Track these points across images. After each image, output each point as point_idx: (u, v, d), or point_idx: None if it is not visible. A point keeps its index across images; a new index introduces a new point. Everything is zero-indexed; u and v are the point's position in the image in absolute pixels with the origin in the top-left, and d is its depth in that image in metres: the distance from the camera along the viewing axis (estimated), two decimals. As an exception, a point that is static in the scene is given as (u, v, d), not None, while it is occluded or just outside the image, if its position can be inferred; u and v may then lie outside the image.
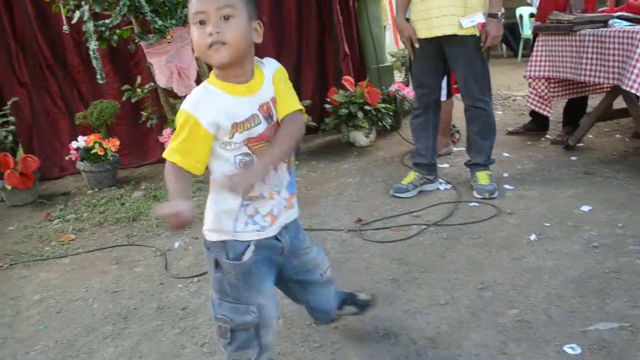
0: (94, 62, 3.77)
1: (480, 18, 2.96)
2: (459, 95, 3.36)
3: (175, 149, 1.46)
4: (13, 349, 2.14)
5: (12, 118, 4.07)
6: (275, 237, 1.57)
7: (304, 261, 1.70)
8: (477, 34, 2.98)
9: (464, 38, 3.00)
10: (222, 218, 1.52)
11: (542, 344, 1.85)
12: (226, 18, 1.38)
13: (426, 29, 3.07)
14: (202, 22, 1.39)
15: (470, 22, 2.94)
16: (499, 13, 2.99)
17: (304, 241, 1.70)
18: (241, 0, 1.40)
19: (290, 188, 1.61)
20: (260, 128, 1.47)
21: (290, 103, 1.52)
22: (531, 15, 8.45)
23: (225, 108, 1.42)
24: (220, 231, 1.53)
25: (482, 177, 3.23)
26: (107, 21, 3.70)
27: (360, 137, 4.52)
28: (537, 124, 4.52)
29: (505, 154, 3.95)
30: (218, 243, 1.53)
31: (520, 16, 8.74)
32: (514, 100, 5.86)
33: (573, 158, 3.74)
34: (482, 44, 3.03)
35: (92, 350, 2.07)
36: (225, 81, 1.46)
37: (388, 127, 4.61)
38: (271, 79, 1.50)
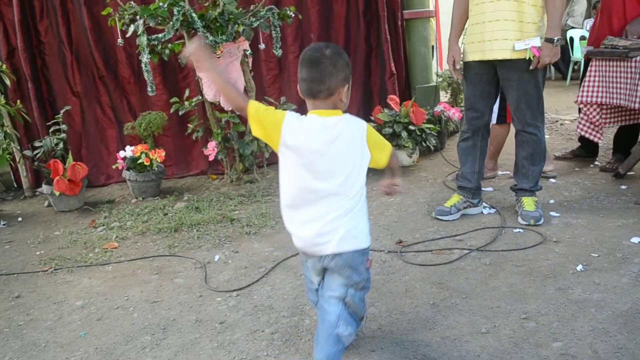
0: (145, 75, 3.87)
1: (536, 42, 2.91)
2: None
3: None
4: (54, 354, 2.18)
5: (64, 126, 4.20)
6: None
7: None
8: (531, 57, 2.93)
9: (517, 62, 2.96)
10: None
11: (588, 381, 1.78)
12: None
13: (479, 52, 3.05)
14: None
15: (525, 45, 2.90)
16: (555, 38, 2.93)
17: None
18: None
19: None
20: None
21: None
22: (582, 38, 8.28)
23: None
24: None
25: (528, 203, 3.16)
26: (160, 35, 3.79)
27: (403, 157, 4.49)
28: (586, 150, 4.40)
29: (552, 180, 3.86)
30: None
31: (571, 39, 8.58)
32: (562, 124, 5.73)
33: (623, 187, 3.62)
34: (531, 66, 2.97)
35: (131, 359, 2.10)
36: None
37: (432, 147, 4.57)
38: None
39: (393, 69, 5.00)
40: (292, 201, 1.80)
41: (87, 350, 2.19)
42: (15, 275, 2.98)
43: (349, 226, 1.75)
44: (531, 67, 2.97)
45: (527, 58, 2.94)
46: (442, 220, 3.26)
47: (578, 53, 8.16)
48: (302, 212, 1.78)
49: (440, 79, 5.90)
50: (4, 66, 4.15)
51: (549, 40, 2.93)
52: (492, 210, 3.37)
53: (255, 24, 3.96)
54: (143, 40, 3.76)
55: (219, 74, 1.88)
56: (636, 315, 2.12)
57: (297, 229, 1.81)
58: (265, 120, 1.75)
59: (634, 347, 1.92)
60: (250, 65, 4.28)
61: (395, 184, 2.01)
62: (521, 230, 3.03)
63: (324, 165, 1.72)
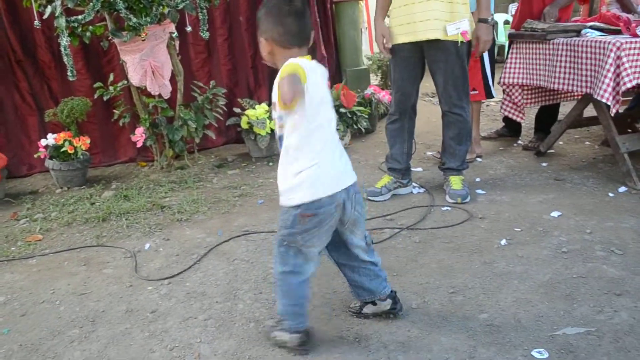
0: (65, 59, 3.69)
1: (466, 25, 2.98)
2: (435, 100, 3.38)
3: None
4: (-25, 352, 2.08)
5: (-21, 114, 3.97)
6: None
7: None
8: (461, 40, 2.99)
9: (446, 44, 3.02)
10: None
11: (511, 349, 1.87)
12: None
13: (408, 34, 3.07)
14: None
15: (456, 29, 2.96)
16: (489, 18, 3.02)
17: None
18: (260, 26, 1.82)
19: None
20: None
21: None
22: (506, 22, 8.56)
23: None
24: None
25: (455, 181, 3.26)
26: (79, 17, 3.63)
27: (335, 140, 4.52)
28: (510, 129, 4.58)
29: (478, 159, 4.00)
30: None
31: (495, 22, 8.85)
32: (487, 105, 5.93)
33: (544, 164, 3.80)
34: (472, 49, 3.05)
35: (58, 354, 2.02)
36: None
37: (363, 130, 4.62)
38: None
39: (323, 51, 5.01)
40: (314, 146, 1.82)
41: (11, 347, 2.09)
42: None
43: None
44: (477, 55, 3.05)
45: (459, 43, 3.00)
46: (373, 200, 3.32)
47: (502, 37, 8.44)
48: (326, 151, 1.84)
49: (371, 62, 5.96)
50: None
51: (483, 21, 3.02)
52: (422, 190, 3.46)
53: (180, 6, 3.85)
54: (62, 22, 3.58)
55: None
56: (556, 285, 2.24)
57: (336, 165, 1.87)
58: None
59: (554, 315, 2.04)
60: (177, 48, 4.18)
61: None
62: (449, 208, 3.13)
63: (329, 107, 1.87)
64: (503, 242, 2.65)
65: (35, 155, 4.19)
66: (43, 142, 4.04)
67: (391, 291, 2.08)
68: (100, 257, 2.84)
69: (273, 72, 4.94)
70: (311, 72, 1.75)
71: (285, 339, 1.93)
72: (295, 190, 1.82)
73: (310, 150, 1.80)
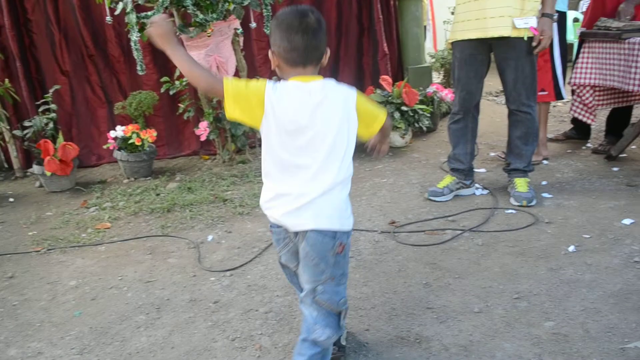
0: (135, 54, 3.82)
1: (534, 22, 2.90)
2: (498, 100, 3.30)
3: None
4: (49, 333, 2.18)
5: (53, 106, 4.15)
6: None
7: None
8: (529, 35, 2.91)
9: (516, 41, 2.94)
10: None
11: (579, 359, 1.81)
12: None
13: (477, 30, 2.99)
14: None
15: (524, 23, 2.88)
16: (553, 14, 2.94)
17: None
18: None
19: None
20: None
21: None
22: (575, 20, 8.26)
23: None
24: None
25: (521, 184, 3.17)
26: (149, 13, 3.74)
27: (395, 138, 4.49)
28: (579, 132, 4.42)
29: (545, 162, 3.88)
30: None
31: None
32: (554, 106, 5.73)
33: (615, 169, 3.64)
34: (535, 44, 2.96)
35: (125, 339, 2.10)
36: None
37: (424, 128, 4.57)
38: None
39: (386, 49, 4.97)
40: (270, 171, 1.68)
41: (82, 329, 2.19)
42: (9, 255, 2.97)
43: (326, 204, 1.63)
44: (537, 50, 2.96)
45: (526, 38, 2.92)
46: (434, 201, 3.27)
47: (571, 35, 8.15)
48: (281, 183, 1.65)
49: (434, 60, 5.88)
50: (-8, 44, 4.08)
51: (547, 15, 2.93)
52: (485, 191, 3.39)
53: (246, 2, 3.91)
54: (132, 17, 3.70)
55: (184, 54, 1.67)
56: (627, 296, 2.14)
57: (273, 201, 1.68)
58: (249, 92, 1.58)
59: (625, 327, 1.95)
60: (241, 44, 4.24)
61: (383, 142, 1.94)
62: (513, 211, 3.05)
63: (307, 137, 1.60)
64: (571, 248, 2.56)
65: (105, 146, 4.36)
66: (112, 133, 4.19)
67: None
68: (165, 247, 2.92)
69: (334, 69, 4.98)
70: (287, 97, 1.58)
71: None
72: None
73: (267, 174, 1.68)
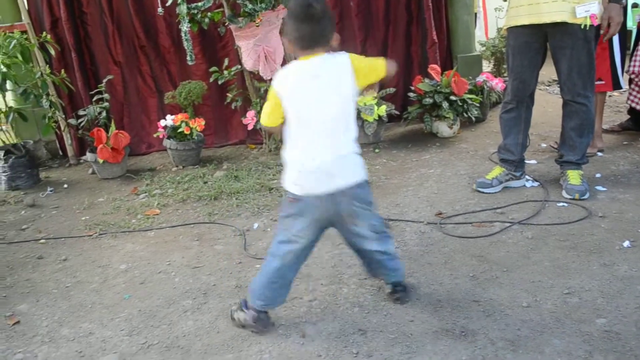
0: (185, 44, 3.88)
1: (595, 8, 2.77)
2: (550, 89, 3.19)
3: None
4: (100, 314, 2.25)
5: (106, 95, 4.26)
6: None
7: None
8: (589, 24, 2.80)
9: (573, 27, 2.82)
10: None
11: (632, 358, 1.74)
12: None
13: (532, 15, 2.89)
14: None
15: (585, 11, 2.75)
16: None
17: None
18: None
19: None
20: None
21: None
22: (634, 5, 7.92)
23: None
24: None
25: (574, 176, 3.07)
26: (199, 4, 3.79)
27: (443, 128, 4.42)
28: (636, 122, 4.24)
29: (599, 154, 3.74)
30: None
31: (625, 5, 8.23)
32: (610, 96, 5.52)
33: (675, 161, 3.48)
34: (602, 32, 2.85)
35: (173, 322, 2.15)
36: None
37: (473, 118, 4.48)
38: None
39: (435, 37, 4.88)
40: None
41: (131, 312, 2.25)
42: (62, 239, 3.08)
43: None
44: (605, 38, 2.86)
45: (583, 26, 2.81)
46: (483, 192, 3.20)
47: (629, 21, 7.83)
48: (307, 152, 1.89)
49: (484, 48, 5.75)
50: (49, 36, 4.22)
51: (615, 1, 2.81)
52: (536, 184, 3.30)
53: (294, -8, 3.91)
54: (183, 9, 3.76)
55: None
56: (685, 293, 2.05)
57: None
58: (274, 104, 1.89)
59: (683, 325, 1.87)
60: (289, 34, 4.24)
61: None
62: (565, 205, 2.96)
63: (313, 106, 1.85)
64: (626, 243, 2.47)
65: (155, 135, 4.46)
66: (162, 122, 4.28)
67: (397, 282, 2.14)
68: (212, 234, 2.97)
69: (383, 55, 4.93)
70: (295, 77, 1.85)
71: (242, 316, 2.02)
72: (285, 175, 1.94)
73: (293, 145, 1.91)
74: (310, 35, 1.83)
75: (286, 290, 2.03)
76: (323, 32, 1.84)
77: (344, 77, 1.86)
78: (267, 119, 1.93)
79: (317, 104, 1.84)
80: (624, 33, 3.72)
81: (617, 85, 3.76)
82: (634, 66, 3.67)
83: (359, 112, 4.21)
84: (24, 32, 4.24)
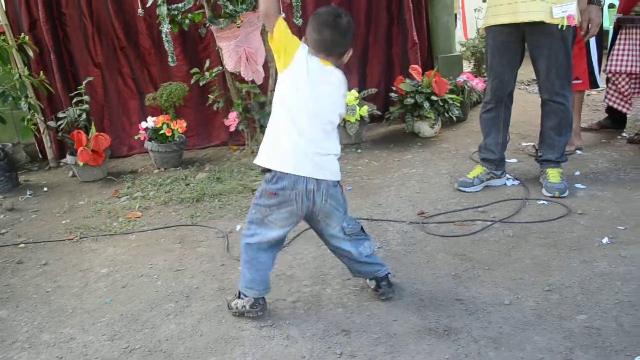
0: (166, 45, 3.86)
1: (573, 9, 2.81)
2: (530, 88, 3.23)
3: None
4: (81, 319, 2.23)
5: (86, 97, 4.22)
6: None
7: None
8: (565, 25, 2.84)
9: (550, 27, 2.85)
10: None
11: (612, 353, 1.77)
12: None
13: (509, 14, 2.92)
14: None
15: (562, 12, 2.79)
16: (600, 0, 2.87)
17: None
18: None
19: None
20: None
21: None
22: (610, 5, 8.03)
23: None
24: None
25: (553, 174, 3.11)
26: (180, 5, 3.77)
27: (425, 128, 4.44)
28: (614, 121, 4.30)
29: (578, 152, 3.79)
30: None
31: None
32: (589, 95, 5.59)
33: (651, 159, 3.54)
34: (582, 33, 2.90)
35: (155, 326, 2.13)
36: None
37: (454, 118, 4.51)
38: None
39: (415, 38, 4.91)
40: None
41: (113, 316, 2.23)
42: (42, 243, 3.04)
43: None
44: (585, 39, 2.90)
45: (560, 27, 2.84)
46: (464, 191, 3.23)
47: (606, 21, 7.94)
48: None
49: (464, 48, 5.79)
50: (27, 38, 4.16)
51: (595, 2, 2.85)
52: (516, 182, 3.33)
53: (276, -7, 3.90)
54: (163, 10, 3.74)
55: None
56: (663, 289, 2.09)
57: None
58: (287, 41, 1.96)
59: (661, 320, 1.90)
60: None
61: None
62: (545, 202, 2.99)
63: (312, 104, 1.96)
64: (605, 240, 2.50)
65: (136, 137, 4.43)
66: (143, 124, 4.25)
67: (379, 276, 2.17)
68: (194, 236, 2.95)
69: (364, 58, 4.95)
70: (307, 59, 1.95)
71: (240, 303, 2.10)
72: (261, 150, 2.06)
73: (275, 122, 2.02)
74: (330, 42, 1.95)
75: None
76: (341, 44, 1.97)
77: (343, 97, 2.07)
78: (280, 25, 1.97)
79: (316, 107, 1.96)
80: (600, 33, 3.77)
81: (594, 84, 3.81)
82: (611, 65, 3.72)
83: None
84: (1, 33, 4.19)
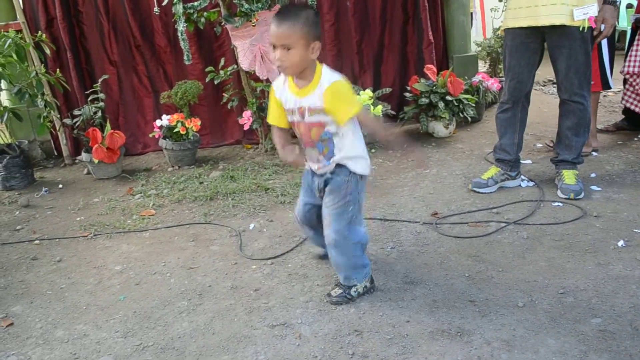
0: (182, 44, 3.87)
1: (594, 11, 2.79)
2: (546, 89, 3.20)
3: (268, 112, 2.25)
4: (94, 316, 2.24)
5: (101, 95, 4.25)
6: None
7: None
8: (587, 26, 2.81)
9: (571, 29, 2.83)
10: None
11: (626, 358, 1.75)
12: (288, 49, 1.92)
13: (529, 17, 2.90)
14: (274, 47, 1.95)
15: (584, 14, 2.77)
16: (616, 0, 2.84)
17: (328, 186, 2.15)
18: (299, 35, 1.91)
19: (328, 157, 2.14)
20: (295, 118, 2.10)
21: (340, 116, 2.01)
22: (629, 6, 7.94)
23: (284, 94, 2.11)
24: None
25: (569, 176, 3.08)
26: (195, 3, 3.78)
27: (439, 128, 4.42)
28: (631, 122, 4.25)
29: (594, 153, 3.75)
30: None
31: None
32: (605, 96, 5.54)
33: (669, 161, 3.49)
34: (595, 33, 2.87)
35: (168, 324, 2.14)
36: (294, 78, 2.07)
37: (469, 118, 4.48)
38: (321, 94, 1.99)
39: (431, 37, 4.88)
40: None
41: (126, 313, 2.24)
42: (57, 240, 3.07)
43: None
44: (599, 39, 2.88)
45: (581, 29, 2.81)
46: (478, 192, 3.21)
47: (624, 22, 7.84)
48: None
49: (480, 48, 5.75)
50: (44, 35, 4.20)
51: (610, 2, 2.82)
52: (531, 183, 3.30)
53: (290, -9, 3.91)
54: (179, 8, 3.75)
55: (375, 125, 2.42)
56: (680, 293, 2.06)
57: None
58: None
59: (677, 325, 1.88)
60: (285, 33, 4.23)
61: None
62: (560, 204, 2.96)
63: None
64: (620, 243, 2.47)
65: (150, 135, 4.45)
66: (158, 122, 4.27)
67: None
68: (207, 234, 2.96)
69: (377, 58, 4.92)
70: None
71: (360, 288, 2.19)
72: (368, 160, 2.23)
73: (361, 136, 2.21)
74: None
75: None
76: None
77: None
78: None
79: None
80: (613, 33, 3.72)
81: (606, 85, 3.76)
82: (629, 66, 3.68)
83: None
84: (19, 31, 4.22)
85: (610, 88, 3.86)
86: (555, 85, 3.34)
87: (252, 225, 3.01)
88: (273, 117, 2.20)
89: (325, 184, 2.15)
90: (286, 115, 2.14)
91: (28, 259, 2.85)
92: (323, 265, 2.50)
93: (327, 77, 2.01)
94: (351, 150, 2.11)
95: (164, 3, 3.88)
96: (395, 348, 1.88)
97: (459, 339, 1.90)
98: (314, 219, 2.29)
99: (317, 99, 2.00)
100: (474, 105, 4.51)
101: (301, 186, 2.32)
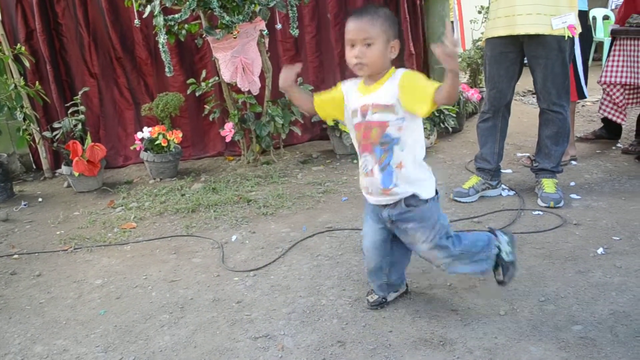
0: (163, 56, 3.86)
1: (572, 19, 2.84)
2: (524, 99, 3.24)
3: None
4: (74, 331, 2.21)
5: (82, 108, 4.22)
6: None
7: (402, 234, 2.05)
8: (568, 35, 2.86)
9: (548, 39, 2.89)
10: None
11: (608, 364, 1.77)
12: (368, 45, 1.83)
13: (507, 27, 2.94)
14: (352, 45, 1.86)
15: (562, 22, 2.82)
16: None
17: (406, 222, 1.99)
18: (380, 30, 1.83)
19: (384, 184, 1.95)
20: (356, 120, 1.96)
21: (420, 97, 1.82)
22: (605, 17, 8.10)
23: (350, 92, 2.00)
24: None
25: (548, 184, 3.12)
26: (176, 16, 3.78)
27: (420, 139, 4.44)
28: (609, 131, 4.32)
29: (573, 162, 3.80)
30: None
31: (594, 18, 8.39)
32: (583, 105, 5.63)
33: (646, 169, 3.55)
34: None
35: (149, 337, 2.12)
36: (364, 77, 1.96)
37: (450, 129, 4.52)
38: (396, 84, 1.86)
39: (412, 49, 4.93)
40: None
41: (107, 327, 2.21)
42: (37, 254, 3.03)
43: None
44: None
45: (566, 37, 2.86)
46: (460, 202, 3.23)
47: (600, 33, 8.00)
48: None
49: (460, 60, 5.81)
50: (23, 48, 4.16)
51: None
52: (511, 193, 3.34)
53: (271, 4, 3.91)
54: (160, 20, 3.74)
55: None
56: (658, 299, 2.09)
57: None
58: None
59: (656, 331, 1.90)
60: (267, 45, 4.25)
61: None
62: (541, 213, 3.00)
63: None
64: (600, 250, 2.51)
65: (132, 147, 4.42)
66: (139, 135, 4.24)
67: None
68: (189, 247, 2.94)
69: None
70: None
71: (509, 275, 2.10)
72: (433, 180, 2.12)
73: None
74: None
75: None
76: None
77: None
78: None
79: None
80: (586, 44, 3.79)
81: (581, 95, 3.81)
82: (606, 76, 3.75)
83: (337, 123, 4.23)
84: (-3, 44, 4.19)
85: (585, 97, 3.92)
86: (534, 95, 3.39)
87: (234, 237, 2.99)
88: (320, 98, 2.08)
89: (398, 218, 1.99)
90: (336, 111, 2.06)
91: (7, 273, 2.80)
92: (306, 277, 2.49)
93: (399, 71, 1.90)
94: (414, 174, 1.98)
95: (145, 15, 3.87)
96: (378, 358, 1.88)
97: (441, 348, 1.91)
98: (387, 248, 2.11)
99: (385, 93, 1.88)
100: (454, 115, 4.55)
101: (365, 215, 2.15)
